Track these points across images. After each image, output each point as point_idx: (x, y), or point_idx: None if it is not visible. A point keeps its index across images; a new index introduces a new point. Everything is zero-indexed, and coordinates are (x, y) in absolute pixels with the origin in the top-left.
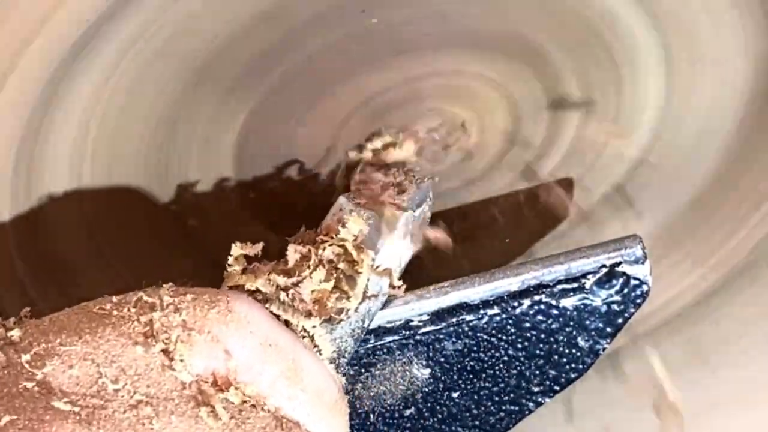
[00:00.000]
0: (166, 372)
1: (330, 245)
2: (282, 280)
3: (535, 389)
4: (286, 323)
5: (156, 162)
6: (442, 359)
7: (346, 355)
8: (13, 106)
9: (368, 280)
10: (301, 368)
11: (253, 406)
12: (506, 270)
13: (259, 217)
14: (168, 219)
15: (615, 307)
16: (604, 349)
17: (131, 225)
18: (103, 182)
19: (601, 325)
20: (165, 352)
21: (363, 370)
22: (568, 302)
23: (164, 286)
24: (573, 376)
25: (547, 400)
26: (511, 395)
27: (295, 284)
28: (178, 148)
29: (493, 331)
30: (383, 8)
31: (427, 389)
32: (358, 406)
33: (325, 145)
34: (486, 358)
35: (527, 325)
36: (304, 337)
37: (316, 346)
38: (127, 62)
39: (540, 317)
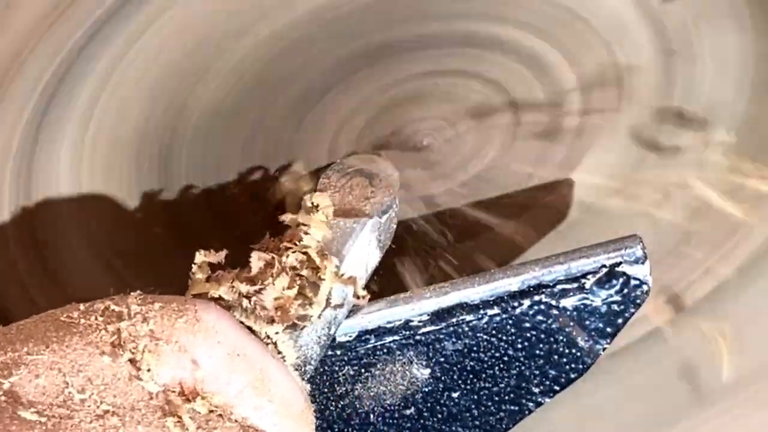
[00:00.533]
0: (133, 382)
1: (293, 252)
2: (244, 288)
3: (535, 389)
4: (251, 331)
5: (155, 164)
6: (442, 359)
7: (312, 363)
8: (13, 106)
9: (332, 287)
10: (269, 378)
11: (220, 416)
12: (506, 270)
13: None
14: (167, 219)
15: (615, 307)
16: (604, 349)
17: (131, 224)
18: (103, 181)
19: (601, 325)
20: (132, 361)
21: (363, 370)
22: (568, 302)
23: (132, 294)
24: (573, 376)
25: (547, 400)
26: (511, 395)
27: (258, 291)
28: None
29: (493, 331)
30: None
31: (427, 389)
32: (358, 406)
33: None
34: (486, 358)
35: (527, 325)
36: (268, 344)
37: (279, 352)
38: (124, 66)
39: (540, 317)
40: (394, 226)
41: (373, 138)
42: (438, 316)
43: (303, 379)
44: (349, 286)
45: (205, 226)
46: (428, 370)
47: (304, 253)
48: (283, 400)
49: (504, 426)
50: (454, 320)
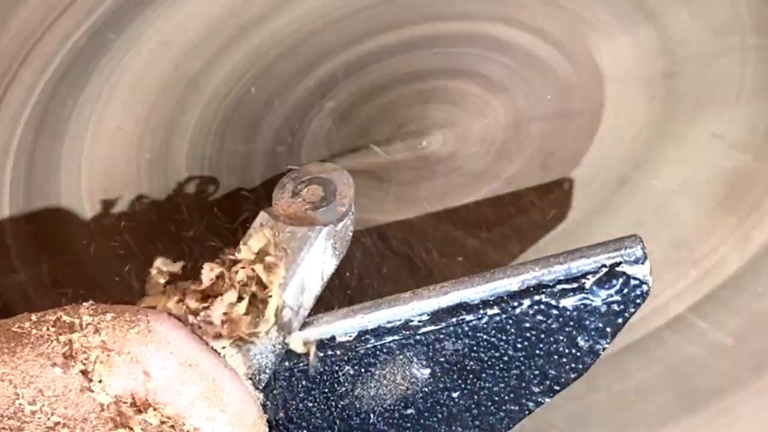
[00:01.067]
0: (84, 393)
1: (242, 267)
2: (192, 303)
3: (535, 389)
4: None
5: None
6: (442, 359)
7: (267, 371)
8: (14, 106)
9: (279, 304)
10: (221, 389)
11: (172, 426)
12: (506, 270)
13: None
14: (167, 218)
15: (615, 307)
16: (604, 349)
17: (129, 225)
18: (103, 181)
19: (601, 325)
20: (84, 373)
21: (363, 370)
22: (568, 302)
23: (84, 304)
24: (573, 376)
25: (547, 400)
26: (511, 395)
27: (206, 307)
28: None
29: (493, 331)
30: None
31: (427, 389)
32: (358, 406)
33: None
34: (486, 358)
35: (527, 325)
36: (221, 354)
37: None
38: (123, 68)
39: (540, 317)
40: (350, 234)
41: (374, 136)
42: (438, 316)
43: (257, 388)
44: (306, 293)
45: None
46: (428, 370)
47: (252, 269)
48: (235, 411)
49: (504, 426)
50: (454, 320)
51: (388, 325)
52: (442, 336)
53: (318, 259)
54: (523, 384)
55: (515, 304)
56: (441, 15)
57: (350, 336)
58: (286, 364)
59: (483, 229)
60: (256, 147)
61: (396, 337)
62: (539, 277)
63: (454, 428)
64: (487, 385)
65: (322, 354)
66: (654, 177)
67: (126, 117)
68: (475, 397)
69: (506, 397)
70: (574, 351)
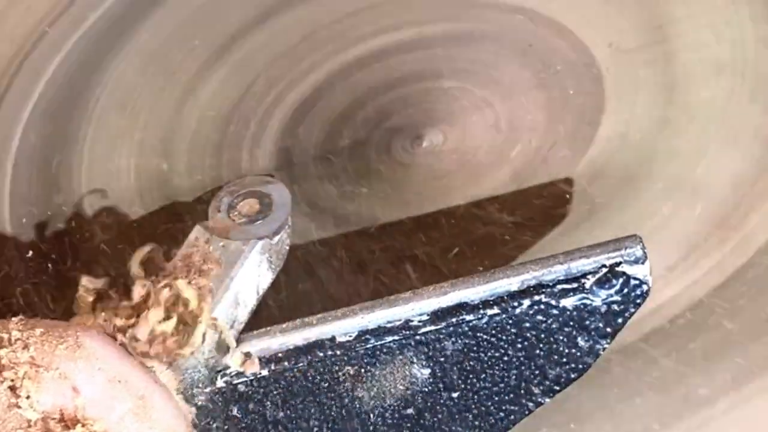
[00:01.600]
0: (11, 409)
1: (168, 286)
2: (119, 321)
3: (535, 389)
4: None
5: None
6: (442, 359)
7: (201, 385)
8: (15, 103)
9: (208, 325)
10: (152, 405)
11: None
12: (506, 270)
13: None
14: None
15: (615, 307)
16: (604, 349)
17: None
18: (103, 179)
19: (601, 325)
20: (12, 389)
21: (363, 370)
22: (568, 302)
23: (13, 319)
24: (573, 376)
25: (547, 400)
26: (511, 395)
27: (132, 325)
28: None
29: (493, 331)
30: None
31: (427, 389)
32: (358, 406)
33: None
34: (486, 358)
35: (527, 325)
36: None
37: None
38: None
39: (540, 317)
40: (287, 248)
41: (375, 133)
42: (438, 316)
43: (189, 402)
44: (240, 308)
45: None
46: (428, 370)
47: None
48: (165, 427)
49: (504, 426)
50: (454, 320)
51: (388, 325)
52: (442, 336)
53: (253, 273)
54: (523, 384)
55: (515, 304)
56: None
57: (350, 336)
58: (286, 364)
59: (483, 229)
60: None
61: (396, 337)
62: (539, 277)
63: (454, 428)
64: (487, 385)
65: (321, 354)
66: (655, 177)
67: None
68: (475, 397)
69: (506, 397)
70: (574, 351)
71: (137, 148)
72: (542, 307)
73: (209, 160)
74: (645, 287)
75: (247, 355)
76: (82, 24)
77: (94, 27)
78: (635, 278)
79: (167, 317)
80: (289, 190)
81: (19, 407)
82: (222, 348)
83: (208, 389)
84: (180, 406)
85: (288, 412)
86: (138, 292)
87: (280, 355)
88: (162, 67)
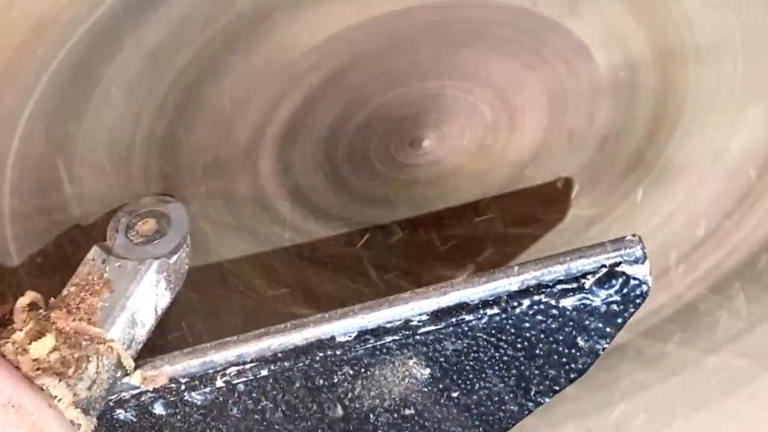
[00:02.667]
0: None
1: (56, 313)
2: (10, 347)
3: (535, 389)
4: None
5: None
6: (442, 359)
7: (101, 401)
8: (16, 101)
9: (100, 364)
10: (45, 429)
11: None
12: (506, 270)
13: None
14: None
15: (615, 307)
16: (603, 349)
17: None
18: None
19: (600, 325)
20: None
21: (363, 370)
22: (568, 302)
23: None
24: (573, 376)
25: (547, 400)
26: (511, 395)
27: (25, 350)
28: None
29: (493, 331)
30: None
31: (427, 389)
32: (358, 406)
33: None
34: (486, 358)
35: (527, 325)
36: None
37: (55, 396)
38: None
39: (540, 317)
40: (186, 267)
41: (373, 135)
42: (438, 316)
43: (88, 414)
44: (138, 327)
45: None
46: (428, 370)
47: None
48: None
49: (504, 426)
50: (454, 320)
51: (388, 325)
52: (442, 336)
53: (150, 293)
54: (523, 384)
55: (515, 304)
56: None
57: (350, 336)
58: (286, 364)
59: (483, 229)
60: None
61: (396, 337)
62: (539, 277)
63: (454, 428)
64: (487, 385)
65: (321, 354)
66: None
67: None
68: (475, 397)
69: (506, 397)
70: (574, 351)
71: None
72: (542, 307)
73: None
74: (645, 287)
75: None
76: None
77: None
78: (635, 278)
79: (54, 344)
80: (185, 210)
81: None
82: (120, 367)
83: (135, 404)
84: (79, 420)
85: (288, 412)
86: (19, 314)
87: (280, 355)
88: None
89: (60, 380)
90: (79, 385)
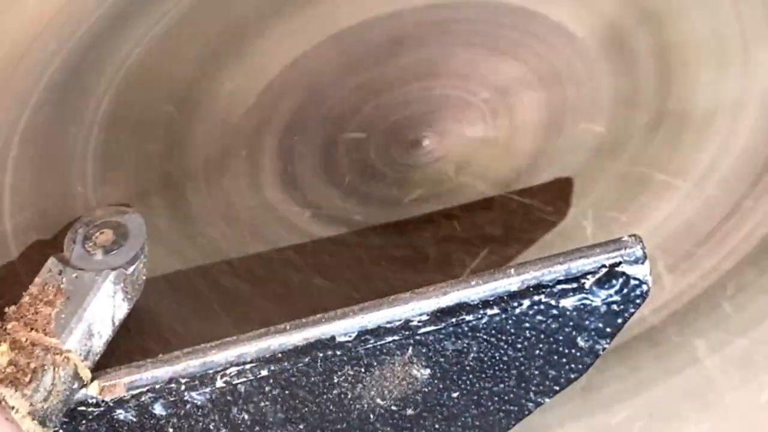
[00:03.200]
0: None
1: (11, 323)
2: None
3: (535, 389)
4: None
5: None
6: (442, 359)
7: (58, 412)
8: (16, 98)
9: (56, 375)
10: None
11: None
12: (506, 270)
13: None
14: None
15: (615, 307)
16: (603, 349)
17: None
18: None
19: (600, 325)
20: None
21: (363, 370)
22: (568, 302)
23: None
24: (573, 376)
25: (547, 400)
26: (511, 395)
27: None
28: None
29: (493, 331)
30: None
31: (427, 389)
32: (358, 406)
33: None
34: (486, 358)
35: (527, 325)
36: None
37: (14, 407)
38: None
39: (540, 317)
40: (144, 278)
41: (373, 134)
42: (438, 316)
43: (44, 426)
44: (95, 338)
45: None
46: (428, 370)
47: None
48: None
49: (504, 426)
50: (454, 320)
51: (388, 325)
52: (442, 336)
53: (107, 304)
54: (523, 384)
55: (515, 304)
56: None
57: (350, 336)
58: (286, 364)
59: (483, 228)
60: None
61: (396, 337)
62: (539, 277)
63: (454, 428)
64: (487, 385)
65: (321, 354)
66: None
67: None
68: (475, 397)
69: (506, 397)
70: (573, 351)
71: None
72: (542, 307)
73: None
74: (645, 287)
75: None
76: None
77: None
78: (635, 278)
79: (10, 354)
80: (144, 221)
81: None
82: (77, 378)
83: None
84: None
85: (288, 412)
86: None
87: (280, 355)
88: None
89: (16, 390)
90: (35, 396)
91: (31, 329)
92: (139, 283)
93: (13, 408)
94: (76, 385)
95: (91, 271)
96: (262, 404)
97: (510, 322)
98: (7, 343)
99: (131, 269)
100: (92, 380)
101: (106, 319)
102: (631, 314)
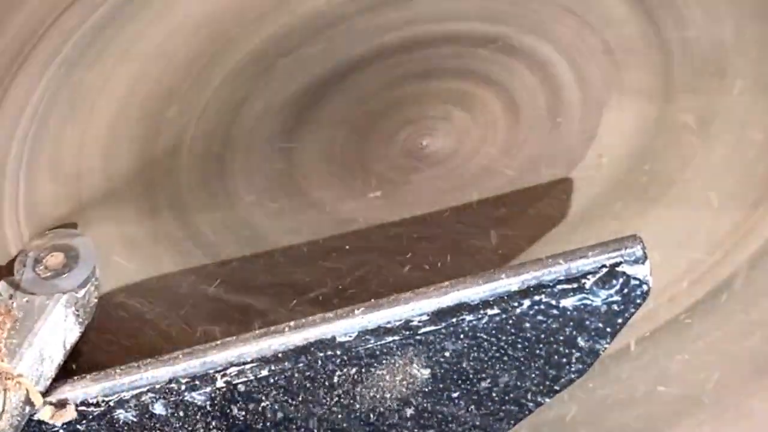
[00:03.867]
0: None
1: None
2: None
3: (535, 389)
4: None
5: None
6: (442, 359)
7: (16, 421)
8: (17, 97)
9: (8, 396)
10: None
11: None
12: (506, 270)
13: None
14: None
15: (615, 307)
16: (604, 349)
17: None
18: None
19: (601, 325)
20: None
21: (363, 370)
22: (568, 302)
23: None
24: (573, 376)
25: (547, 400)
26: (511, 395)
27: None
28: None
29: (493, 331)
30: None
31: (427, 389)
32: (358, 406)
33: None
34: (486, 359)
35: (527, 325)
36: None
37: None
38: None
39: (540, 317)
40: (95, 300)
41: (376, 137)
42: (438, 316)
43: None
44: (47, 361)
45: None
46: (428, 370)
47: None
48: None
49: (504, 426)
50: (454, 320)
51: (388, 325)
52: (442, 336)
53: (59, 328)
54: (523, 384)
55: (515, 304)
56: (450, 15)
57: (350, 336)
58: (286, 364)
59: (484, 228)
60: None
61: (396, 337)
62: (539, 277)
63: (454, 428)
64: (487, 385)
65: (322, 354)
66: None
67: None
68: (475, 397)
69: (506, 397)
70: (574, 351)
71: None
72: (542, 307)
73: None
74: (645, 287)
75: (59, 405)
76: None
77: None
78: (635, 278)
79: None
80: (93, 242)
81: None
82: (28, 402)
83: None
84: None
85: (288, 412)
86: None
87: (280, 355)
88: None
89: None
90: None
91: None
92: (91, 305)
93: None
94: (27, 410)
95: (41, 295)
96: (262, 404)
97: (510, 322)
98: None
99: (82, 292)
100: (44, 405)
101: (58, 344)
102: (632, 314)
